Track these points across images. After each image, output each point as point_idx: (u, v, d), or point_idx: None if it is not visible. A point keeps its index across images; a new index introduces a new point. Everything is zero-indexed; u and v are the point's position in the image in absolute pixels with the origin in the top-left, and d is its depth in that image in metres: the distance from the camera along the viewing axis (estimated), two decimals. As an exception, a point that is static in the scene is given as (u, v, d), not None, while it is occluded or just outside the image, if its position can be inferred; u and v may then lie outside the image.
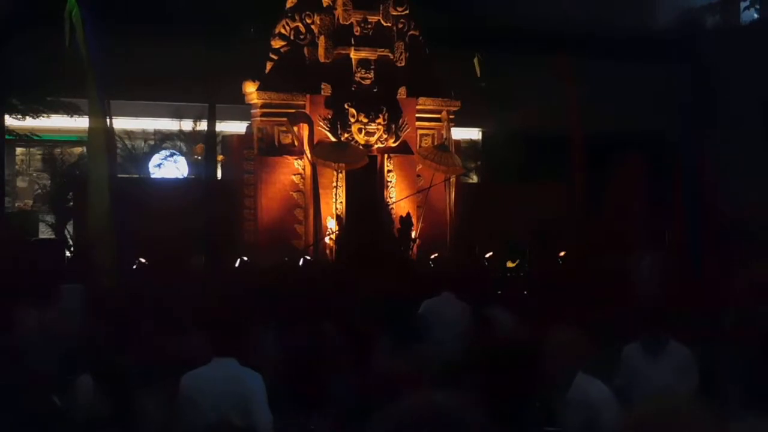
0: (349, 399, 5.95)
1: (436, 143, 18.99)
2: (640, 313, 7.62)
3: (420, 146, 18.99)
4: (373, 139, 18.44)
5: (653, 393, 6.55)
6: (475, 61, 21.49)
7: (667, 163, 15.68)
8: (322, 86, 18.28)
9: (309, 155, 17.95)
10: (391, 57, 18.69)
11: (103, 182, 11.67)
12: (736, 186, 18.05)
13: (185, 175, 22.47)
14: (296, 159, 18.20)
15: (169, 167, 23.01)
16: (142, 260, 15.13)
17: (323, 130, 18.18)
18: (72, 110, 20.77)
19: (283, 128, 18.19)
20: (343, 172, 18.06)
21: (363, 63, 18.47)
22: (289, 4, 18.56)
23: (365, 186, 18.38)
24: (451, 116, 19.20)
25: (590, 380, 5.81)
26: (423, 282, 11.34)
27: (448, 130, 19.18)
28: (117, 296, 9.98)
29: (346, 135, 18.22)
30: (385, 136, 18.51)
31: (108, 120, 11.90)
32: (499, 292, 12.23)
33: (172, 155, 23.26)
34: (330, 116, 18.22)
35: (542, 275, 15.46)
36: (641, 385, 7.00)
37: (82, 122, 18.51)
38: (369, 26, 18.52)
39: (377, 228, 17.64)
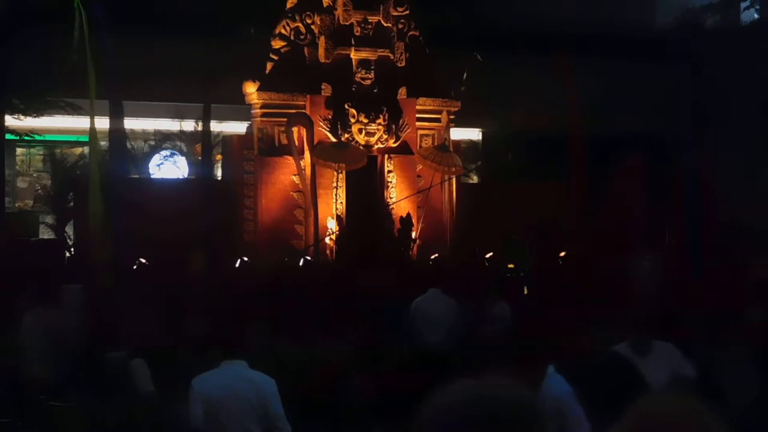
0: (355, 400, 5.94)
1: (436, 143, 18.98)
2: (632, 313, 7.62)
3: (420, 146, 18.97)
4: (373, 140, 18.43)
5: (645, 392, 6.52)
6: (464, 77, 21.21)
7: (667, 163, 15.68)
8: (323, 86, 18.27)
9: (307, 158, 17.93)
10: (392, 57, 18.69)
11: (103, 182, 11.66)
12: (736, 186, 18.05)
13: (185, 175, 22.44)
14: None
15: (169, 167, 22.97)
16: (143, 260, 15.14)
17: (323, 130, 18.17)
18: (72, 110, 20.74)
19: (283, 129, 18.19)
20: (343, 172, 18.05)
21: (363, 63, 18.46)
22: (289, 5, 18.55)
23: (365, 186, 18.37)
24: (451, 116, 19.19)
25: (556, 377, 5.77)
26: (422, 282, 11.34)
27: (448, 130, 19.17)
28: (118, 296, 9.98)
29: (346, 135, 18.21)
30: (385, 136, 18.50)
31: (117, 121, 11.90)
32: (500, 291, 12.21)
33: (172, 155, 23.22)
34: (330, 116, 18.21)
35: (542, 275, 15.47)
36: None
37: (82, 122, 18.50)
38: (369, 26, 18.52)
39: (377, 228, 17.62)
